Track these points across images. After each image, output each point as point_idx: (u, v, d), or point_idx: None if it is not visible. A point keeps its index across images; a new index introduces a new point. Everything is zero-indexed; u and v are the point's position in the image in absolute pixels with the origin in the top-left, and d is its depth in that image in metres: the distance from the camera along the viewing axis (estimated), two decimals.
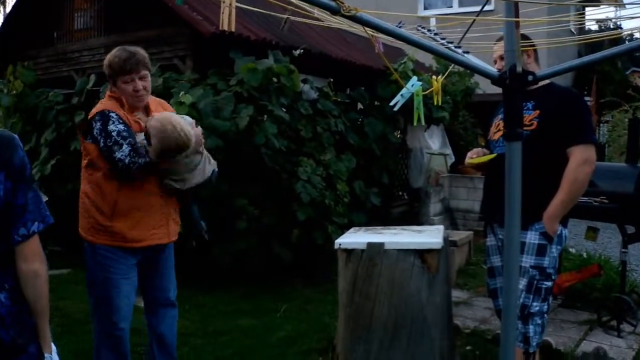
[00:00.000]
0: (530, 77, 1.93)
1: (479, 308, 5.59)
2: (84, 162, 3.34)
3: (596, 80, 14.48)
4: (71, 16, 8.31)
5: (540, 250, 3.34)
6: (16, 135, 1.93)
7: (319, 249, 6.47)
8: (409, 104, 2.48)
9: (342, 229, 5.94)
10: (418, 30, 2.74)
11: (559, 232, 3.38)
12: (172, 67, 6.81)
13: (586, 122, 3.42)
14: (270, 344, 4.77)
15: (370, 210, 7.82)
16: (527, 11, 2.20)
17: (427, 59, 10.70)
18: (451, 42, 2.36)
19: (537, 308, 3.34)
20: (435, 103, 2.99)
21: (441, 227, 4.16)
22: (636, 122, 5.51)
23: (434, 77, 3.03)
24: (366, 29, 1.86)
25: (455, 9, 14.89)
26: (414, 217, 9.67)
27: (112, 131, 3.15)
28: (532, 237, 3.35)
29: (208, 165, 3.45)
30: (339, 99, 7.80)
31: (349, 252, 3.53)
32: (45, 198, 2.15)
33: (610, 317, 4.86)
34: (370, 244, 3.46)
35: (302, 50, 6.84)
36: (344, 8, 1.61)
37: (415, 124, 2.68)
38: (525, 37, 2.91)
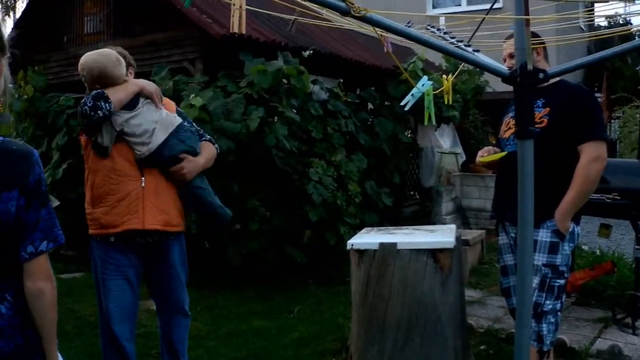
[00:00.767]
0: (541, 75, 1.92)
1: (492, 307, 5.57)
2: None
3: (607, 77, 14.39)
4: (81, 20, 8.37)
5: (553, 248, 3.32)
6: (36, 151, 1.88)
7: (332, 249, 6.47)
8: (419, 103, 2.48)
9: (354, 230, 5.95)
10: (427, 29, 2.74)
11: (571, 230, 3.36)
12: (182, 70, 6.83)
13: (597, 119, 3.41)
14: (284, 345, 4.78)
15: (382, 211, 7.82)
16: (536, 9, 2.20)
17: (437, 58, 10.70)
18: (461, 41, 2.35)
19: (550, 306, 3.33)
20: (445, 102, 2.99)
21: (453, 226, 4.15)
22: None
23: (444, 76, 3.03)
24: (376, 29, 1.86)
25: (464, 7, 14.88)
26: (426, 216, 9.66)
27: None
28: (544, 235, 3.33)
29: (182, 132, 3.33)
30: (349, 100, 7.81)
31: (362, 252, 3.54)
32: (56, 202, 2.12)
33: (625, 315, 4.83)
34: (382, 245, 3.46)
35: (311, 51, 6.84)
36: (354, 9, 1.61)
37: (425, 123, 2.68)
38: (534, 34, 2.90)
